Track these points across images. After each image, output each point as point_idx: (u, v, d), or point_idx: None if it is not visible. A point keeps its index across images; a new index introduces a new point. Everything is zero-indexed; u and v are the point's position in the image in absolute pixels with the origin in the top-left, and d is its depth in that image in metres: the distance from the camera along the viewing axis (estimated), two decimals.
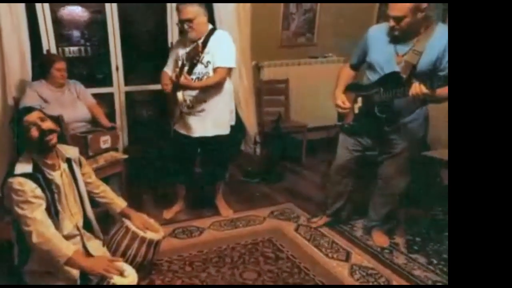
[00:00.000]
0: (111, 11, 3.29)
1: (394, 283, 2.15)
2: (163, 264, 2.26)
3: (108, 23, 3.31)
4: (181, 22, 2.39)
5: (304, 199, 3.14)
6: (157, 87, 2.83)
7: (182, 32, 2.49)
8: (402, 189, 2.36)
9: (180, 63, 2.48)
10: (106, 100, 3.36)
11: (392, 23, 1.94)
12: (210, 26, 2.51)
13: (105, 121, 2.80)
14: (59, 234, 1.67)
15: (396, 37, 2.01)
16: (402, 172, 2.30)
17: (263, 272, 2.23)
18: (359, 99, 2.24)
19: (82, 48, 4.76)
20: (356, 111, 2.25)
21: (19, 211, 1.60)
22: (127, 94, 3.53)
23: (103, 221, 2.14)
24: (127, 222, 2.07)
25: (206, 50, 2.42)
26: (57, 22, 3.82)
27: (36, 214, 1.61)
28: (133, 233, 2.04)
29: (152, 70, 3.27)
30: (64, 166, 1.84)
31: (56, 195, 1.75)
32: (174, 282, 2.12)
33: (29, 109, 1.77)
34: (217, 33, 2.48)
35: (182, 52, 2.50)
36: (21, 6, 2.85)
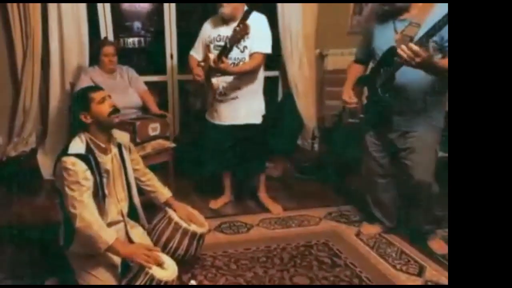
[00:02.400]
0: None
1: None
2: (206, 259, 2.22)
3: (165, 12, 3.39)
4: None
5: (366, 201, 2.91)
6: None
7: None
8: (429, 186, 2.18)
9: (212, 46, 2.44)
10: (159, 88, 3.44)
11: None
12: (246, 8, 2.45)
13: (155, 108, 2.86)
14: (101, 220, 1.71)
15: (391, 12, 2.02)
16: (427, 165, 2.16)
17: (316, 278, 2.09)
18: (365, 90, 2.23)
19: (142, 39, 5.03)
20: (364, 101, 2.25)
21: (69, 192, 1.65)
22: (181, 83, 3.59)
23: (147, 210, 2.16)
24: (170, 212, 2.07)
25: (231, 35, 2.35)
26: (117, 14, 4.04)
27: (84, 197, 1.66)
28: (175, 223, 2.03)
29: None
30: (115, 151, 1.89)
31: (105, 179, 1.80)
32: (217, 279, 2.06)
33: (96, 87, 1.88)
34: (254, 15, 2.41)
35: (214, 34, 2.48)
36: None
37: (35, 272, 2.02)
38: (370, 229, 2.51)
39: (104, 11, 3.26)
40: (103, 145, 1.80)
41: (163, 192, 2.11)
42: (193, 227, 2.06)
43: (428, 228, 2.35)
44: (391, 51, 1.95)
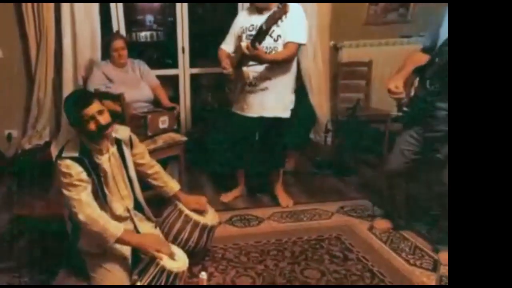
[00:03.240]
0: None
1: None
2: (217, 251, 2.25)
3: (177, 5, 3.41)
4: None
5: (382, 197, 2.89)
6: None
7: None
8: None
9: (244, 35, 2.43)
10: (171, 82, 3.47)
11: None
12: None
13: (166, 102, 2.89)
14: (106, 215, 1.74)
15: None
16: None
17: (328, 271, 2.10)
18: (416, 81, 2.04)
19: (154, 33, 5.07)
20: (412, 94, 2.06)
21: (66, 192, 1.70)
22: (193, 77, 3.61)
23: (158, 203, 2.19)
24: (180, 205, 2.10)
25: (277, 23, 2.32)
26: (130, 8, 4.08)
27: (81, 196, 1.69)
28: (186, 216, 2.06)
29: None
30: (113, 149, 1.88)
31: (102, 179, 1.82)
32: (228, 271, 2.09)
33: (88, 102, 1.73)
34: (290, 4, 2.38)
35: (246, 24, 2.47)
36: None
37: (48, 263, 2.08)
38: (383, 224, 2.50)
39: (116, 5, 3.31)
40: (97, 146, 1.80)
41: (172, 185, 2.12)
42: (203, 219, 2.08)
43: (440, 238, 2.26)
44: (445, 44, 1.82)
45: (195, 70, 3.60)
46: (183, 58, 3.52)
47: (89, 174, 1.74)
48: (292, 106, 2.60)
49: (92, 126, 1.72)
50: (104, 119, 1.74)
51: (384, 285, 2.02)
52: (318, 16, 3.45)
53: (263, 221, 2.60)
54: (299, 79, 3.69)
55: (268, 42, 2.36)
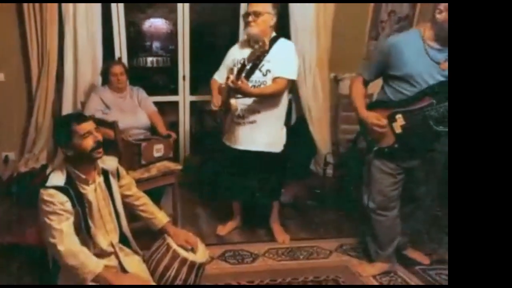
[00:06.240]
0: (183, 22, 3.31)
1: None
2: None
3: (179, 33, 3.33)
4: (247, 14, 2.28)
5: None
6: None
7: (245, 25, 2.34)
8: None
9: (235, 68, 2.33)
10: (171, 109, 3.34)
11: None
12: (274, 34, 2.36)
13: (162, 130, 2.75)
14: (86, 250, 1.59)
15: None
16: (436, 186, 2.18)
17: None
18: (399, 117, 1.96)
19: (160, 59, 5.05)
20: (398, 130, 1.97)
21: (47, 221, 1.55)
22: (193, 103, 3.50)
23: (147, 234, 2.01)
24: (169, 239, 1.91)
25: (267, 57, 2.26)
26: (137, 33, 4.02)
27: (63, 226, 1.55)
28: (174, 252, 1.87)
29: None
30: (100, 179, 1.74)
31: (87, 210, 1.67)
32: None
33: (82, 118, 1.68)
34: (281, 41, 2.32)
35: (238, 57, 2.37)
36: (97, 15, 3.01)
37: None
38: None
39: (119, 31, 3.22)
40: (83, 176, 1.65)
41: (160, 217, 1.94)
42: (192, 256, 1.89)
43: (404, 241, 2.32)
44: (445, 85, 1.81)
45: (195, 98, 3.49)
46: (184, 85, 3.42)
47: (73, 205, 1.59)
48: (284, 141, 2.46)
49: (89, 142, 1.61)
50: (100, 137, 1.65)
51: (384, 285, 1.97)
52: (317, 49, 3.38)
53: (257, 257, 2.39)
54: (299, 110, 3.58)
55: (257, 76, 2.28)
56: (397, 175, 2.08)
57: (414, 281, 2.19)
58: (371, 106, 2.10)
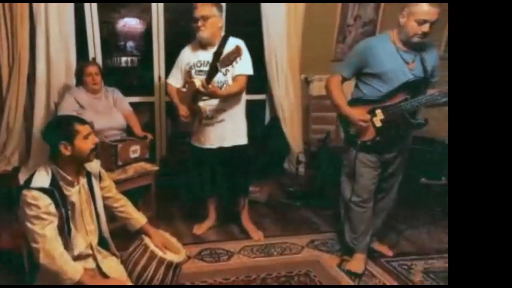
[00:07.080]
0: (157, 22, 3.29)
1: None
2: None
3: (154, 33, 3.32)
4: (196, 19, 2.34)
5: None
6: None
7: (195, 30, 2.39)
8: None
9: (194, 71, 2.40)
10: (146, 109, 3.32)
11: (425, 29, 1.97)
12: (223, 33, 2.43)
13: (138, 130, 2.73)
14: (67, 255, 1.58)
15: (415, 44, 2.04)
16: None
17: None
18: (378, 112, 2.12)
19: (135, 59, 4.95)
20: (379, 124, 2.13)
21: (30, 225, 1.53)
22: (168, 104, 3.47)
23: (125, 235, 2.02)
24: (146, 240, 1.93)
25: (222, 58, 2.32)
26: (111, 33, 3.94)
27: (46, 231, 1.53)
28: (151, 252, 1.89)
29: None
30: (83, 181, 1.74)
31: (70, 213, 1.66)
32: None
33: (83, 120, 1.68)
34: (231, 40, 2.39)
35: (193, 59, 2.43)
36: (70, 15, 2.94)
37: None
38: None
39: (93, 30, 3.17)
40: (69, 178, 1.65)
41: (138, 218, 1.96)
42: (169, 256, 1.92)
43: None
44: (418, 82, 2.04)
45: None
46: (159, 86, 3.40)
47: (57, 207, 1.57)
48: (246, 132, 2.56)
49: (89, 143, 1.63)
50: (97, 139, 1.71)
51: (383, 285, 2.03)
52: (288, 51, 3.42)
53: (233, 255, 2.45)
54: (273, 111, 3.65)
55: (218, 76, 2.34)
56: (378, 168, 2.22)
57: (379, 272, 2.30)
58: (351, 103, 2.20)
